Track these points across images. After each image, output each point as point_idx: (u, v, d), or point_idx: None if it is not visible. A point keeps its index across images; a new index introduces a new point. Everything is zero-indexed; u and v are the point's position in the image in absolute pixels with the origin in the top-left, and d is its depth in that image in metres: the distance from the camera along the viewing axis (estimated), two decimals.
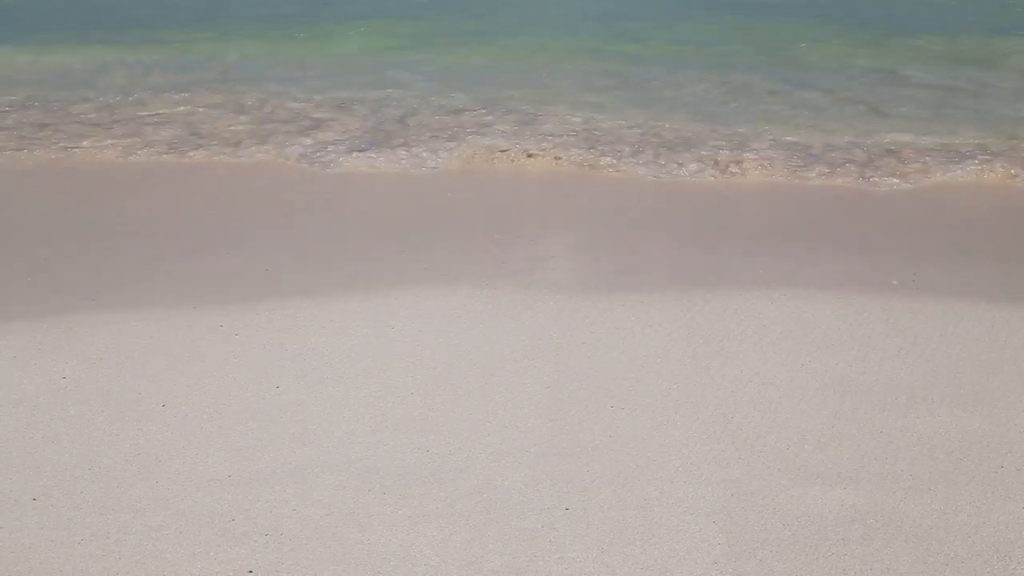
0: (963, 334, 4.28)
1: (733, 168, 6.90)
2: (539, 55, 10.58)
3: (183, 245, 5.55)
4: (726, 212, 6.18)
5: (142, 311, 4.57)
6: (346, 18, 12.45)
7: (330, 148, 7.39)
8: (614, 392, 3.86)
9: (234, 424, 3.66)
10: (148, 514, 3.17)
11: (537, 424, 3.65)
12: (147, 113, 8.41)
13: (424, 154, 7.25)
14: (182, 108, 8.54)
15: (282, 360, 4.11)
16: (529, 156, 7.16)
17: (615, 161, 7.04)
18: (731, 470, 3.37)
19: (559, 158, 7.11)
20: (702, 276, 4.97)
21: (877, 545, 3.01)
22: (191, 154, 7.31)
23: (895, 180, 6.71)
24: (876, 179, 6.72)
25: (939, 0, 13.36)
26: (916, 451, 3.47)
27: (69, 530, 3.10)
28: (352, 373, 4.01)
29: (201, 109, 8.47)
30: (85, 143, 7.55)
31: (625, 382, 3.92)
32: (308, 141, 7.55)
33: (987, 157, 7.03)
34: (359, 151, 7.32)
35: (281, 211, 6.18)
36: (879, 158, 7.10)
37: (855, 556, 2.96)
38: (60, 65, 10.27)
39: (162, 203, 6.35)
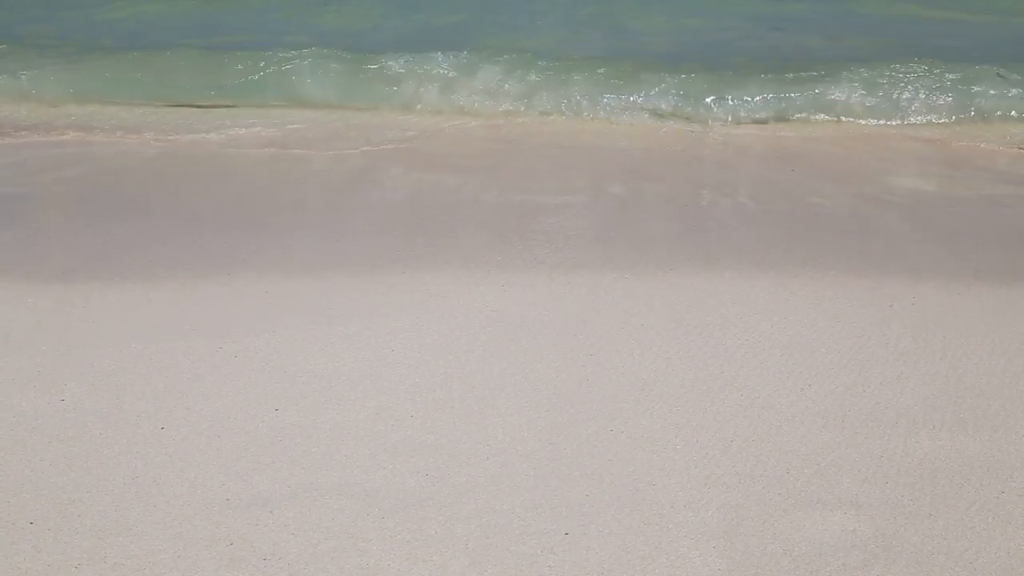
0: (963, 358, 4.28)
1: None
2: None
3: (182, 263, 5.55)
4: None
5: (140, 332, 4.57)
6: None
7: None
8: (614, 416, 3.85)
9: (233, 447, 3.66)
10: (146, 538, 3.16)
11: (537, 448, 3.65)
12: None
13: None
14: None
15: (281, 382, 4.11)
16: None
17: None
18: (731, 494, 3.36)
19: None
20: (702, 297, 4.97)
21: (878, 571, 3.00)
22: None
23: None
24: None
25: None
26: (917, 476, 3.47)
27: (66, 554, 3.09)
28: (352, 396, 4.00)
29: None
30: None
31: (625, 406, 3.92)
32: None
33: None
34: None
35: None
36: None
37: None
38: None
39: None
